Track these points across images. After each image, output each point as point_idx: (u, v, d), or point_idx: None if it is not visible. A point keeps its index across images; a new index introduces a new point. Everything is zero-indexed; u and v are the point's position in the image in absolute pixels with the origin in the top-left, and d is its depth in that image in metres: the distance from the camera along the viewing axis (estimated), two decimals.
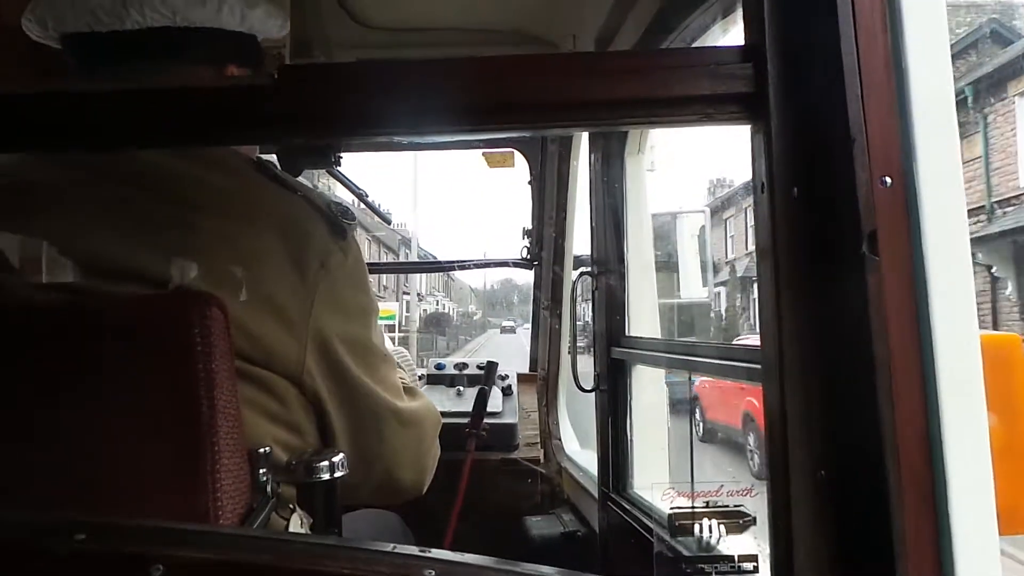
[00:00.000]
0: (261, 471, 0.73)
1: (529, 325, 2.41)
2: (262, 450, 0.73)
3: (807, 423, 0.53)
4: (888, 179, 0.49)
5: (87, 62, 0.83)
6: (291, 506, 0.77)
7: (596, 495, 1.51)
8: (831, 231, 0.52)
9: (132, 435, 0.68)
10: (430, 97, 0.62)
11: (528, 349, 2.26)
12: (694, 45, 1.07)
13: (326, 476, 0.75)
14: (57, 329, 0.72)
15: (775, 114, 0.55)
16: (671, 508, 0.68)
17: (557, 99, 0.61)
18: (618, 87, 0.60)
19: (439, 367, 2.12)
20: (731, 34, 0.95)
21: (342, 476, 0.76)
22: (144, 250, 0.74)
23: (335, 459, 0.76)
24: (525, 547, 1.64)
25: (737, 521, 0.66)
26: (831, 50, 0.52)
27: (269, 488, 0.73)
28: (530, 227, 2.16)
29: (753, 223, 0.60)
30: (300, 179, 0.94)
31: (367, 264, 0.92)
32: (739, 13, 0.91)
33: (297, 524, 0.77)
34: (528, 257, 2.13)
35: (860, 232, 0.49)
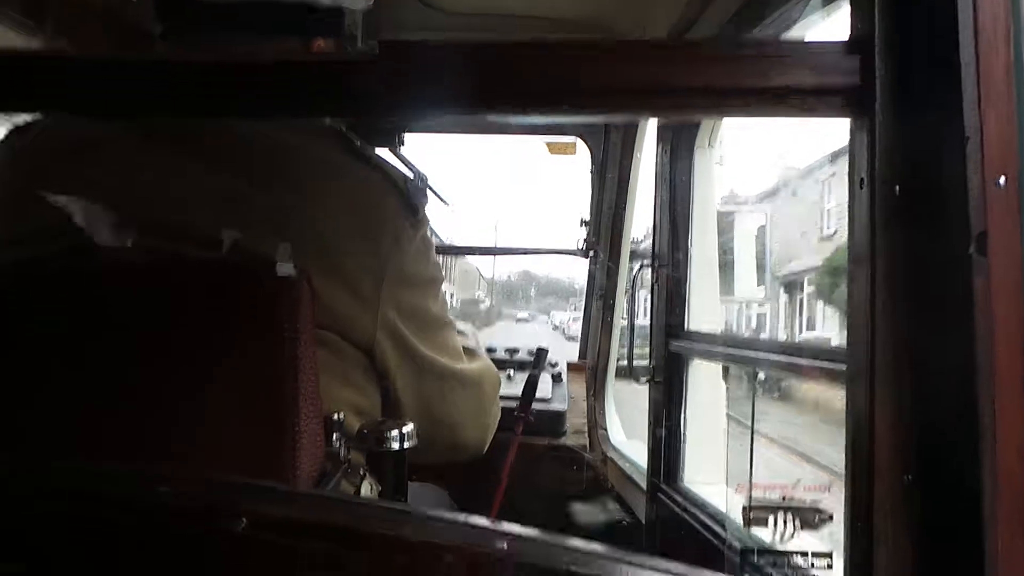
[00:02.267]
0: (335, 436, 0.75)
1: (544, 317, 2.41)
2: (336, 416, 0.75)
3: (895, 426, 0.52)
4: (1002, 179, 0.48)
5: (179, 29, 0.83)
6: (361, 472, 0.79)
7: (642, 485, 1.51)
8: (935, 231, 0.51)
9: (217, 399, 0.71)
10: (514, 79, 0.62)
11: (540, 336, 2.26)
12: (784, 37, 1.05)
13: (396, 446, 0.77)
14: (140, 292, 0.75)
15: (881, 110, 0.53)
16: (745, 500, 0.68)
17: (648, 86, 0.61)
18: (707, 74, 0.59)
19: (490, 349, 2.13)
20: (826, 27, 0.92)
21: (412, 446, 0.78)
22: (219, 215, 0.75)
23: (405, 430, 0.78)
24: (570, 532, 1.65)
25: (813, 518, 0.66)
26: (947, 47, 0.51)
27: (342, 454, 0.75)
28: (587, 217, 2.15)
29: (847, 220, 0.59)
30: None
31: None
32: (840, 6, 0.89)
33: (367, 490, 0.80)
34: (585, 247, 2.13)
35: (968, 232, 0.48)
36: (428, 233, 0.90)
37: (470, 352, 1.00)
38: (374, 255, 0.80)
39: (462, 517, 0.62)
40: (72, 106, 0.71)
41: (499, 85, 0.63)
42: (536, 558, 0.57)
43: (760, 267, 1.74)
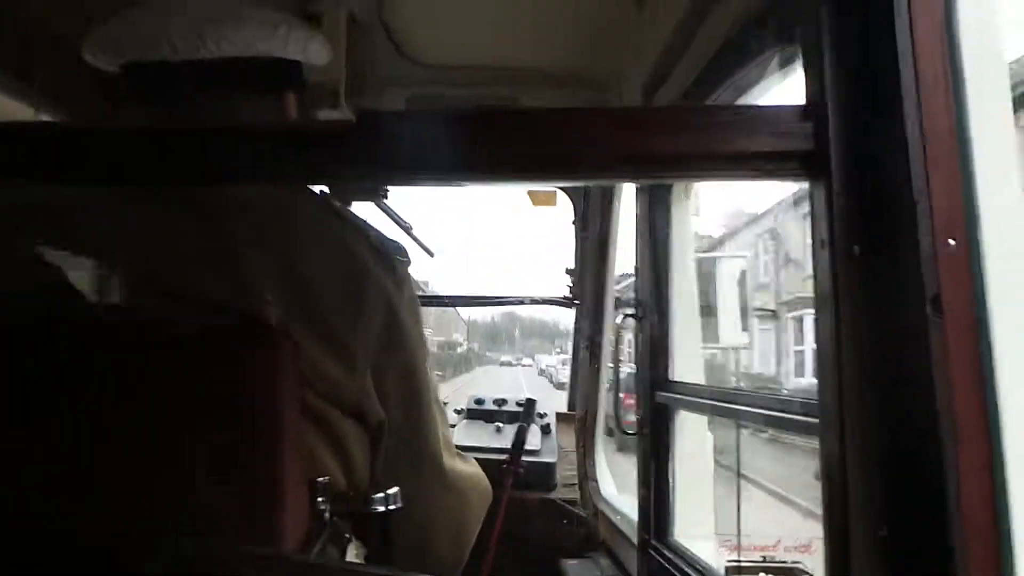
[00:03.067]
0: (320, 499, 0.75)
1: (529, 361, 2.42)
2: (321, 479, 0.75)
3: (867, 480, 0.53)
4: (952, 241, 0.50)
5: (153, 92, 0.84)
6: (347, 536, 0.79)
7: (633, 540, 1.49)
8: (894, 290, 0.52)
9: (201, 460, 0.71)
10: (492, 147, 0.64)
11: (523, 385, 2.26)
12: (747, 96, 1.09)
13: (381, 508, 0.77)
14: (125, 351, 0.74)
15: (836, 172, 0.56)
16: (727, 561, 0.68)
17: (615, 153, 0.63)
18: (674, 142, 0.62)
19: (479, 401, 2.13)
20: (785, 86, 0.96)
21: (397, 508, 0.77)
22: (204, 277, 0.75)
23: (391, 492, 0.78)
24: None
25: None
26: (894, 113, 0.54)
27: (327, 517, 0.75)
28: (572, 266, 2.18)
29: (812, 276, 0.61)
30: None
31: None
32: (796, 66, 0.93)
33: (352, 554, 0.79)
34: (570, 296, 2.15)
35: (924, 293, 0.50)
36: (415, 294, 0.89)
37: (462, 455, 0.94)
38: (358, 313, 0.80)
39: None
40: (49, 174, 0.72)
41: (473, 153, 0.65)
42: None
43: (742, 312, 1.76)
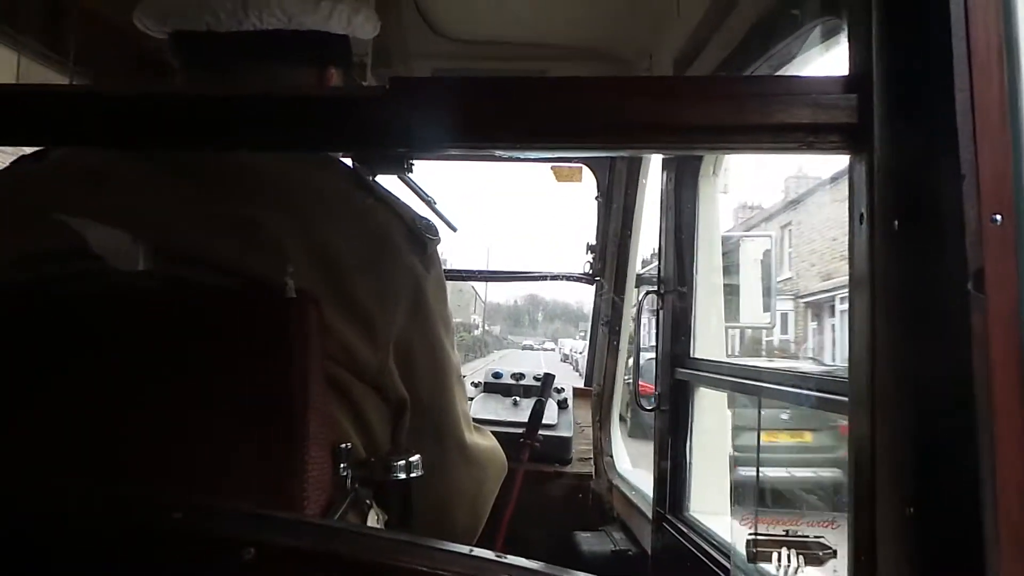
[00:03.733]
0: (342, 466, 0.75)
1: (551, 344, 2.42)
2: (344, 445, 0.76)
3: (897, 459, 0.52)
4: (998, 217, 0.49)
5: (197, 61, 0.85)
6: (368, 502, 0.80)
7: (647, 514, 1.50)
8: (934, 266, 0.51)
9: (226, 424, 0.71)
10: (524, 113, 0.63)
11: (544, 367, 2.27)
12: (784, 71, 1.07)
13: (402, 476, 0.77)
14: (150, 317, 0.75)
15: (879, 146, 0.55)
16: (749, 534, 0.68)
17: (647, 122, 0.62)
18: (711, 112, 0.61)
19: (496, 375, 2.14)
20: (824, 59, 0.94)
21: (418, 476, 0.78)
22: (219, 240, 0.75)
23: (412, 459, 0.78)
24: (574, 562, 1.64)
25: (817, 553, 0.65)
26: (942, 84, 0.52)
27: (348, 483, 0.75)
28: (594, 243, 2.16)
29: (847, 253, 0.60)
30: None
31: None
32: (838, 40, 0.91)
33: (373, 520, 0.80)
34: (591, 272, 2.14)
35: (966, 269, 0.48)
36: (442, 273, 0.88)
37: (480, 430, 0.95)
38: (385, 287, 0.80)
39: (466, 549, 0.63)
40: (87, 138, 0.72)
41: (504, 120, 0.64)
42: None
43: (766, 292, 1.75)
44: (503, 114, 0.64)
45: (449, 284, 0.95)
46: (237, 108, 0.67)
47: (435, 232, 0.87)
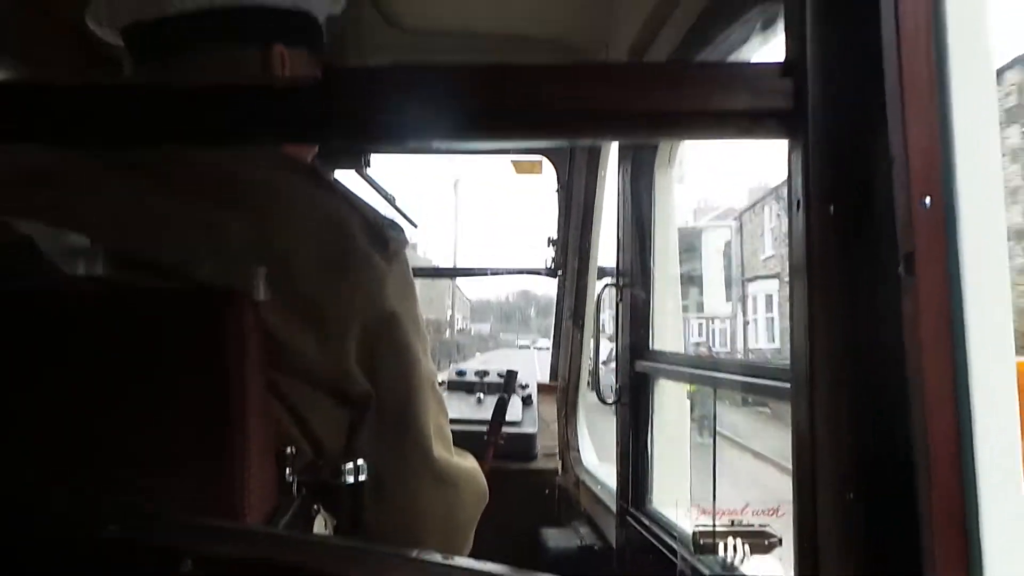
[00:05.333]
0: (287, 471, 0.73)
1: (543, 341, 2.42)
2: (289, 450, 0.74)
3: (836, 444, 0.52)
4: (928, 200, 0.49)
5: (140, 55, 0.83)
6: (315, 507, 0.78)
7: (614, 509, 1.50)
8: (868, 250, 0.51)
9: (162, 429, 0.69)
10: (467, 103, 0.62)
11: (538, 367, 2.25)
12: (731, 58, 1.07)
13: (351, 479, 0.76)
14: (87, 320, 0.73)
15: (813, 131, 0.54)
16: (695, 526, 0.67)
17: (591, 108, 0.61)
18: (654, 99, 0.60)
19: (460, 373, 2.13)
20: (768, 47, 0.95)
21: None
22: (171, 242, 0.73)
23: (359, 463, 0.77)
24: (541, 559, 1.63)
25: (762, 541, 0.65)
26: (873, 69, 0.52)
27: (295, 489, 0.74)
28: (555, 236, 2.16)
29: (787, 239, 0.60)
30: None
31: None
32: (778, 26, 0.91)
33: (321, 526, 0.78)
34: (552, 266, 2.14)
35: (897, 252, 0.49)
36: (409, 275, 0.84)
37: (460, 451, 0.89)
38: (341, 285, 0.76)
39: (415, 553, 0.61)
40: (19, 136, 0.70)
41: (447, 112, 0.63)
42: None
43: (727, 283, 1.76)
44: (445, 105, 0.62)
45: (422, 280, 0.91)
46: (165, 100, 0.65)
47: (399, 230, 0.84)
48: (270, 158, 0.82)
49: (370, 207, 0.84)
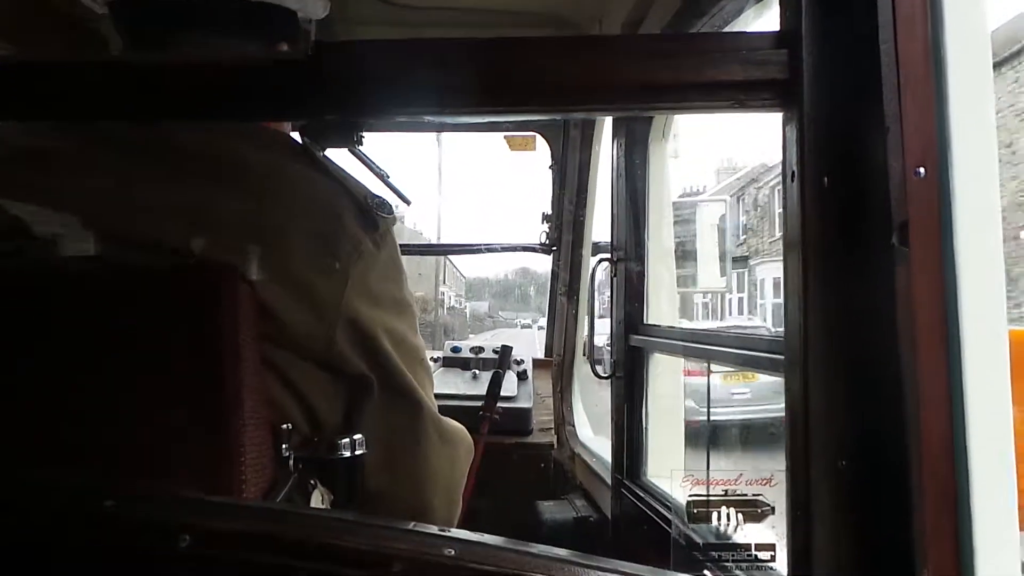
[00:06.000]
0: (283, 446, 0.74)
1: (544, 322, 2.42)
2: (285, 426, 0.74)
3: (829, 414, 0.53)
4: (922, 170, 0.49)
5: (132, 30, 0.81)
6: (312, 482, 0.78)
7: (609, 481, 1.52)
8: (862, 221, 0.51)
9: (158, 407, 0.69)
10: (459, 76, 0.61)
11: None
12: (726, 30, 1.06)
13: (347, 453, 0.76)
14: (82, 298, 0.73)
15: (808, 102, 0.54)
16: (689, 495, 0.68)
17: (585, 82, 0.61)
18: (647, 71, 0.60)
19: (455, 350, 2.13)
20: (763, 19, 0.94)
21: (363, 454, 0.77)
22: (165, 222, 0.73)
23: (356, 437, 0.77)
24: (537, 531, 1.65)
25: (755, 510, 0.66)
26: (869, 38, 0.52)
27: (291, 464, 0.74)
28: (549, 212, 2.15)
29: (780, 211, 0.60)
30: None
31: None
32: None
33: (318, 500, 0.78)
34: (547, 242, 2.13)
35: (891, 223, 0.49)
36: (397, 254, 0.85)
37: (443, 416, 0.92)
38: (332, 262, 0.77)
39: (411, 525, 0.62)
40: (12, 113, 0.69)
41: (437, 85, 0.62)
42: (485, 563, 0.57)
43: (721, 256, 1.77)
44: (436, 79, 0.62)
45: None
46: (158, 78, 0.64)
47: (389, 210, 0.84)
48: (262, 136, 0.82)
49: (361, 186, 0.85)
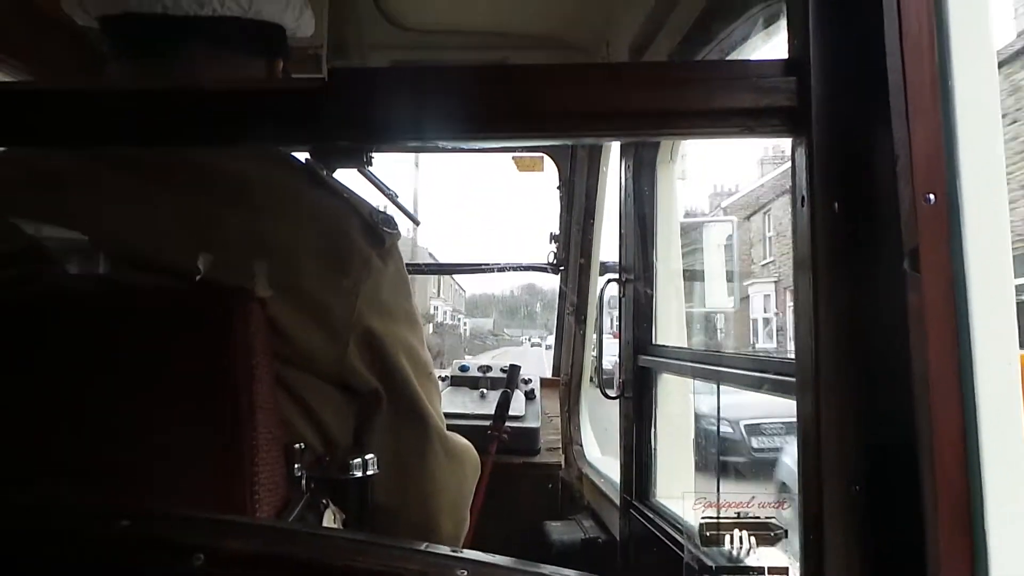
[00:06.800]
0: (296, 466, 0.74)
1: (552, 340, 2.41)
2: (298, 446, 0.75)
3: (841, 438, 0.53)
4: (932, 196, 0.49)
5: (124, 48, 0.82)
6: (324, 502, 0.78)
7: (617, 502, 1.51)
8: (872, 246, 0.52)
9: (171, 427, 0.70)
10: (469, 103, 0.63)
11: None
12: (732, 56, 1.07)
13: (359, 473, 0.76)
14: (95, 319, 0.73)
15: (817, 128, 0.55)
16: (701, 518, 0.68)
17: (595, 109, 0.62)
18: (657, 98, 0.61)
19: (463, 368, 2.13)
20: (770, 45, 0.95)
21: (375, 474, 0.77)
22: (174, 243, 0.74)
23: (368, 457, 0.77)
24: (545, 552, 1.64)
25: (768, 533, 0.66)
26: (877, 66, 0.53)
27: (303, 484, 0.74)
28: (557, 232, 2.16)
29: (791, 235, 0.60)
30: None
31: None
32: (781, 24, 0.91)
33: (330, 520, 0.78)
34: (555, 262, 2.14)
35: (902, 249, 0.49)
36: (403, 268, 0.87)
37: (451, 431, 0.92)
38: (342, 279, 0.78)
39: (423, 545, 0.62)
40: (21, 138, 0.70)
41: (450, 111, 0.63)
42: None
43: (729, 276, 1.76)
44: (449, 105, 0.63)
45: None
46: (165, 102, 0.65)
47: (393, 226, 0.86)
48: (269, 156, 0.83)
49: (365, 203, 0.86)
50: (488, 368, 2.12)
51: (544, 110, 0.62)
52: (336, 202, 0.83)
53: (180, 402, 0.70)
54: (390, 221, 0.86)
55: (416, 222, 2.05)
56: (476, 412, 1.91)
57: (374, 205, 0.87)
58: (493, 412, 1.78)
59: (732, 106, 0.59)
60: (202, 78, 0.80)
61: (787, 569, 0.67)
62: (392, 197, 1.99)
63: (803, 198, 0.56)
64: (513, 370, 1.96)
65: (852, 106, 0.54)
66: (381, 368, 0.81)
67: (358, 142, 0.76)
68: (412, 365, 0.84)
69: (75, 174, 0.78)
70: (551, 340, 2.48)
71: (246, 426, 0.68)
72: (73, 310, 0.74)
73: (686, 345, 1.40)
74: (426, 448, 0.86)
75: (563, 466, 1.94)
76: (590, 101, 0.61)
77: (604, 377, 1.73)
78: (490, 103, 0.62)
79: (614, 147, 1.74)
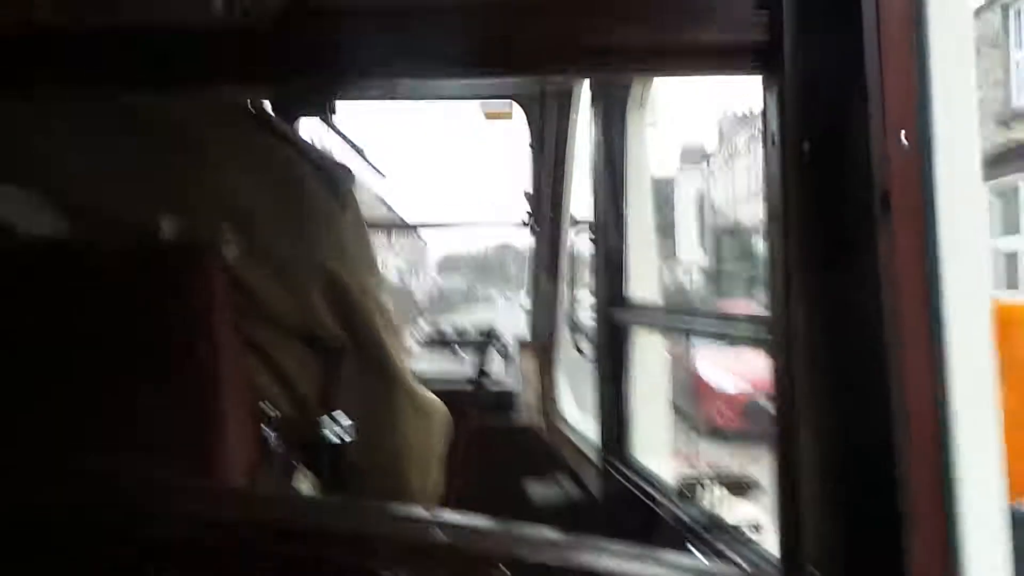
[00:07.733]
0: (266, 429, 0.72)
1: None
2: (266, 407, 0.73)
3: (814, 390, 0.52)
4: (904, 138, 0.47)
5: None
6: (296, 464, 0.77)
7: (596, 461, 1.51)
8: (843, 189, 0.50)
9: (136, 390, 0.67)
10: (434, 41, 0.60)
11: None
12: None
13: (334, 439, 0.75)
14: (57, 280, 0.71)
15: (789, 66, 0.53)
16: (678, 474, 0.68)
17: (556, 43, 0.59)
18: (622, 32, 0.58)
19: (440, 331, 2.11)
20: None
21: (366, 428, 0.75)
22: (133, 200, 0.73)
23: (341, 419, 0.76)
24: (525, 512, 1.65)
25: (741, 485, 0.66)
26: (851, 1, 0.50)
27: (273, 446, 0.73)
28: (530, 190, 2.12)
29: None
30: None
31: None
32: None
33: (301, 480, 0.77)
34: (527, 220, 2.10)
35: (873, 191, 0.47)
36: (362, 216, 0.86)
37: (419, 385, 0.92)
38: (300, 231, 0.78)
39: (398, 507, 0.61)
40: None
41: (408, 47, 0.60)
42: (473, 545, 0.57)
43: (700, 228, 1.75)
44: (407, 40, 0.60)
45: None
46: (109, 44, 0.61)
47: (348, 171, 0.85)
48: (224, 109, 0.81)
49: (319, 152, 0.85)
50: (464, 331, 2.11)
51: (508, 45, 0.59)
52: (292, 155, 0.82)
53: (144, 364, 0.68)
54: (346, 169, 0.85)
55: (382, 175, 1.99)
56: (452, 374, 1.90)
57: (331, 155, 0.87)
58: (469, 373, 1.77)
59: (701, 41, 0.57)
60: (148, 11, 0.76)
61: (761, 523, 0.67)
62: (359, 151, 1.93)
63: (773, 138, 0.54)
64: (490, 332, 1.94)
65: (825, 44, 0.52)
66: (345, 316, 0.80)
67: (313, 84, 0.73)
68: (377, 311, 0.83)
69: (33, 134, 0.75)
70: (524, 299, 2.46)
71: (212, 388, 0.66)
72: (31, 270, 0.71)
73: (659, 300, 1.39)
74: (392, 399, 0.85)
75: (541, 426, 1.94)
76: (551, 35, 0.59)
77: (580, 334, 1.72)
78: (454, 39, 0.59)
79: (584, 93, 1.69)
